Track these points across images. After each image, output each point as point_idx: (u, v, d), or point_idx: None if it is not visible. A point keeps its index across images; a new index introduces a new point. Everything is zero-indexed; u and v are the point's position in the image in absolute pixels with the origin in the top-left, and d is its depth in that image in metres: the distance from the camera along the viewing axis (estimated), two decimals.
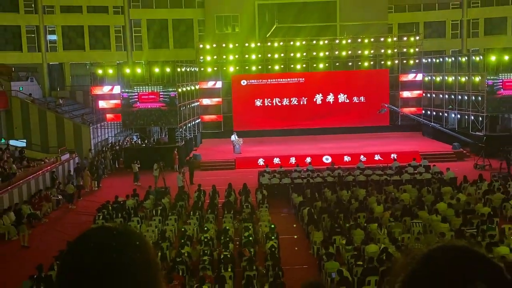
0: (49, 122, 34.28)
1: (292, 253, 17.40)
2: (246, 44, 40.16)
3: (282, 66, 40.62)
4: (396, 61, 41.49)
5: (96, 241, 1.37)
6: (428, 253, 1.30)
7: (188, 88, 37.04)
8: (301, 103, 40.58)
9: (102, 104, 34.36)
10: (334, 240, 16.74)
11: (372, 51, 40.75)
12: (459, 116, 37.46)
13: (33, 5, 40.61)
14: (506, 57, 33.46)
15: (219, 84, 40.64)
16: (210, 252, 15.65)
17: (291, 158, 31.57)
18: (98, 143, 36.35)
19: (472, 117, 35.32)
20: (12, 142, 32.13)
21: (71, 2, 41.67)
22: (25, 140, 33.39)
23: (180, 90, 34.11)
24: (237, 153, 33.98)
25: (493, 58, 33.49)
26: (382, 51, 40.95)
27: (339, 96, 40.69)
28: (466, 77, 36.49)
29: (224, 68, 40.45)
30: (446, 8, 44.50)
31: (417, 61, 41.47)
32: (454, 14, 44.62)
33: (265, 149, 35.02)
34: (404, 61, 41.53)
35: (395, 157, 30.28)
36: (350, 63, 41.29)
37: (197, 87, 39.63)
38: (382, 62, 41.57)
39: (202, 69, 40.42)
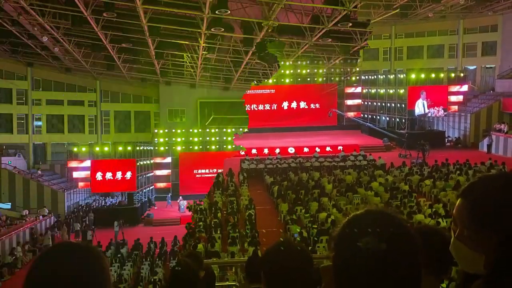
0: (31, 188, 33.14)
1: (265, 219, 17.70)
2: (191, 130, 40.62)
3: (217, 146, 40.19)
4: (343, 78, 41.85)
5: (59, 255, 1.27)
6: (352, 216, 1.22)
7: (145, 162, 37.11)
8: (272, 108, 41.57)
9: (75, 174, 33.25)
10: (296, 210, 17.38)
11: (324, 70, 40.76)
12: (388, 118, 37.88)
13: (24, 98, 40.22)
14: (422, 75, 34.93)
15: (169, 159, 39.73)
16: (204, 219, 15.98)
17: (264, 149, 31.82)
18: (71, 205, 35.14)
19: (397, 119, 35.98)
20: None
21: (55, 97, 41.39)
22: (10, 203, 31.23)
23: (138, 164, 33.94)
24: (182, 212, 33.41)
25: (413, 75, 34.77)
26: (332, 70, 41.17)
27: (300, 103, 41.52)
28: (393, 90, 37.10)
29: (174, 147, 39.72)
30: (379, 39, 44.00)
31: (357, 77, 41.76)
32: (385, 43, 44.43)
33: (245, 142, 35.48)
34: (348, 78, 41.87)
35: (341, 149, 30.97)
36: (308, 79, 41.81)
37: (151, 161, 39.22)
38: (332, 78, 42.13)
39: (156, 148, 39.80)
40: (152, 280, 15.84)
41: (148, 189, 37.79)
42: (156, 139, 40.27)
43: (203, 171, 39.67)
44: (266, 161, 26.45)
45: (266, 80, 38.62)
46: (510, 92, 34.13)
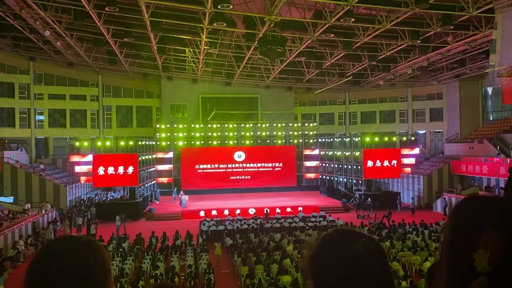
0: (34, 182, 33.33)
1: (225, 284, 17.03)
2: (192, 125, 40.77)
3: (218, 141, 40.80)
4: (301, 140, 42.92)
5: (60, 249, 1.26)
6: (324, 236, 1.28)
7: (147, 157, 36.88)
8: (233, 170, 40.80)
9: (77, 169, 32.98)
10: (257, 273, 16.47)
11: (283, 132, 42.34)
12: (345, 179, 38.48)
13: (26, 93, 40.21)
14: (376, 139, 35.57)
15: (170, 154, 40.27)
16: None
17: (225, 210, 31.69)
18: (73, 200, 35.22)
19: (354, 180, 36.58)
20: (1, 199, 30.75)
21: (57, 91, 41.40)
22: (12, 197, 31.32)
23: (140, 158, 33.73)
24: (183, 207, 33.91)
25: (367, 139, 35.41)
26: (291, 132, 42.76)
27: (260, 164, 41.06)
28: (350, 152, 38.13)
29: (175, 143, 40.10)
30: (334, 104, 47.14)
31: (315, 140, 43.09)
32: (340, 108, 47.15)
33: (205, 203, 35.00)
34: (306, 140, 43.08)
35: (301, 209, 30.98)
36: (268, 140, 42.49)
37: (153, 156, 39.32)
38: (291, 140, 42.92)
39: (158, 143, 40.17)
40: (153, 274, 15.74)
41: (150, 184, 37.77)
42: (158, 134, 40.44)
43: (204, 166, 40.32)
44: (226, 222, 26.15)
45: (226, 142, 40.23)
46: (457, 155, 36.20)
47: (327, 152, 41.79)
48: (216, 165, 40.48)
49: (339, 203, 34.63)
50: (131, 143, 33.90)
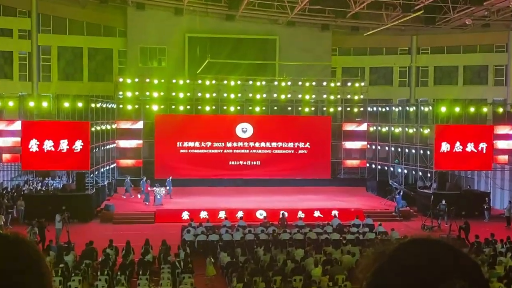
0: None
1: None
2: (174, 81, 40.66)
3: (213, 107, 41.28)
4: (339, 108, 43.28)
5: None
6: (398, 247, 1.31)
7: (103, 128, 37.20)
8: (234, 151, 41.54)
9: None
10: None
11: (313, 96, 42.44)
12: (405, 171, 38.95)
13: None
14: (457, 109, 35.67)
15: (140, 125, 40.82)
16: None
17: (220, 212, 32.12)
18: None
19: (420, 173, 36.93)
20: None
21: None
22: None
23: (93, 129, 34.26)
24: (158, 204, 34.32)
25: (443, 109, 35.52)
26: (325, 96, 42.69)
27: (276, 144, 41.83)
28: (414, 129, 38.35)
29: (147, 106, 40.60)
30: (394, 53, 47.17)
31: (361, 109, 43.46)
32: (402, 60, 47.19)
33: (190, 200, 35.60)
34: (348, 109, 43.45)
35: (336, 214, 31.37)
36: (289, 108, 42.87)
37: (114, 126, 39.81)
38: (324, 109, 43.37)
39: (121, 106, 40.65)
40: None
41: (107, 168, 38.37)
42: (121, 93, 40.63)
43: (191, 144, 40.89)
44: (221, 229, 26.36)
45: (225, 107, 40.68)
46: None
47: (379, 128, 41.77)
48: (209, 143, 40.96)
49: (394, 206, 35.24)
50: (80, 105, 34.06)
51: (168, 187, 36.43)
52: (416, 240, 1.33)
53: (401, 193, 34.82)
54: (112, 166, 39.69)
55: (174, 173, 38.39)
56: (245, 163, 41.53)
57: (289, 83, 42.19)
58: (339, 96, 43.15)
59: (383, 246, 1.35)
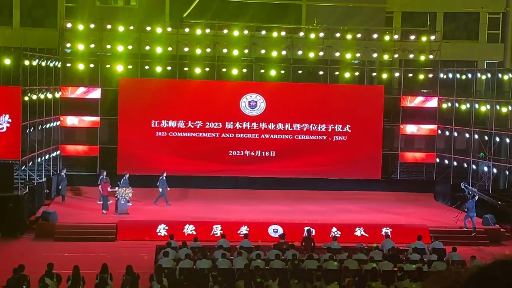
0: None
1: None
2: (148, 28, 40.55)
3: (207, 69, 41.53)
4: (397, 74, 42.83)
5: None
6: (475, 275, 1.40)
7: (42, 97, 36.96)
8: (237, 135, 41.48)
9: None
10: None
11: (358, 55, 41.91)
12: (495, 170, 38.87)
13: None
14: None
15: (96, 93, 40.49)
16: None
17: (214, 227, 32.45)
18: None
19: None
20: None
21: None
22: None
23: (27, 98, 34.37)
24: (121, 213, 34.36)
25: None
26: (375, 55, 42.01)
27: (300, 126, 41.45)
28: (510, 107, 38.01)
29: (108, 66, 40.83)
30: None
31: (430, 75, 42.88)
32: (493, 3, 45.94)
33: (170, 208, 36.36)
34: (410, 75, 42.89)
35: (389, 234, 31.08)
36: (321, 72, 42.42)
37: (58, 95, 39.55)
38: (374, 74, 43.47)
39: (68, 65, 40.79)
40: None
41: (47, 157, 38.42)
42: (68, 45, 40.76)
43: (172, 123, 40.99)
44: (215, 252, 26.48)
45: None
46: None
47: (456, 105, 41.39)
48: (199, 123, 41.11)
49: (478, 223, 34.76)
50: (7, 62, 34.53)
51: (161, 189, 36.84)
52: (501, 262, 1.48)
53: (475, 199, 34.53)
54: (54, 154, 39.43)
55: (146, 166, 39.00)
56: (253, 153, 41.31)
57: (321, 34, 41.36)
58: (396, 56, 42.66)
59: (454, 275, 1.51)
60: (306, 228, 30.60)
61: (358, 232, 32.43)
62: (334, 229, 31.83)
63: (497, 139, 38.15)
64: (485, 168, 39.02)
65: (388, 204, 38.45)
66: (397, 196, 40.31)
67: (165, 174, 37.22)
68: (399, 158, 42.36)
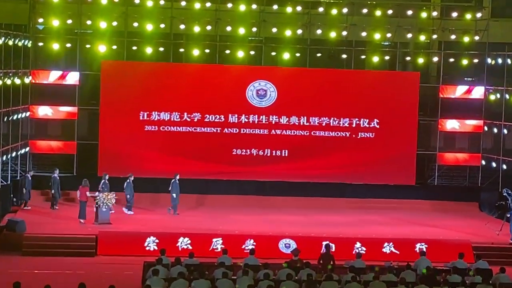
0: None
1: None
2: (137, 0, 40.70)
3: (207, 50, 41.58)
4: (435, 59, 42.85)
5: None
6: None
7: (8, 82, 37.06)
8: (243, 130, 41.84)
9: None
10: None
11: (388, 35, 41.97)
12: None
13: None
14: None
15: (73, 79, 40.67)
16: None
17: (214, 240, 32.37)
18: None
19: None
20: None
21: None
22: None
23: None
24: (103, 222, 34.51)
25: None
26: (410, 36, 41.97)
27: (318, 120, 41.88)
28: None
29: (88, 46, 40.89)
30: None
31: (475, 60, 42.81)
32: None
33: (161, 217, 36.62)
34: (451, 60, 42.80)
35: (424, 250, 30.65)
36: (344, 55, 42.37)
37: (27, 80, 39.93)
38: (408, 58, 43.40)
39: (40, 44, 40.96)
40: None
41: (14, 154, 38.71)
42: (41, 21, 40.99)
43: (165, 115, 41.39)
44: (216, 271, 25.59)
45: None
46: None
47: (506, 97, 41.43)
48: (197, 116, 41.47)
49: None
50: None
51: (175, 194, 37.05)
52: None
53: None
54: (22, 151, 39.77)
55: (133, 167, 38.87)
56: (261, 153, 41.58)
57: (344, 10, 41.35)
58: (435, 37, 42.67)
59: None
60: (324, 243, 29.59)
61: (387, 248, 32.30)
62: (358, 245, 31.73)
63: None
64: None
65: (424, 215, 38.33)
66: (434, 206, 40.37)
67: (178, 177, 37.39)
68: (437, 160, 42.35)
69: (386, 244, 32.40)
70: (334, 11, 41.05)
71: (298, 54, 41.49)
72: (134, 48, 40.80)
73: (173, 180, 37.26)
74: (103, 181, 36.57)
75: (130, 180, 37.18)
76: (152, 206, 37.78)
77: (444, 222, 37.07)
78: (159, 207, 37.52)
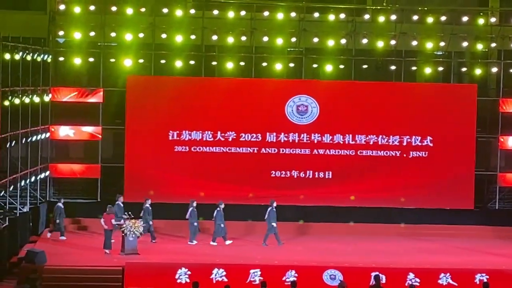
0: None
1: None
2: (165, 10, 40.81)
3: (242, 63, 41.52)
4: (495, 69, 42.38)
5: None
6: None
7: (27, 101, 37.31)
8: (282, 150, 41.07)
9: None
10: None
11: (442, 44, 41.27)
12: None
13: None
14: None
15: (97, 96, 40.67)
16: None
17: (251, 272, 31.42)
18: None
19: None
20: None
21: None
22: None
23: (7, 103, 34.79)
24: (130, 252, 34.08)
25: None
26: (465, 44, 41.49)
27: (365, 138, 41.42)
28: None
29: (112, 61, 41.01)
30: None
31: None
32: None
33: (195, 247, 36.27)
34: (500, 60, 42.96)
35: (485, 281, 30.37)
36: (393, 67, 42.19)
37: (47, 98, 39.89)
38: (464, 69, 43.54)
39: (61, 58, 41.09)
40: None
41: (33, 179, 38.58)
42: (61, 34, 40.97)
43: (197, 135, 41.19)
44: None
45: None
46: None
47: None
48: (232, 135, 41.32)
49: None
50: None
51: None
52: None
53: None
54: (42, 175, 39.73)
55: (161, 192, 39.19)
56: (302, 175, 41.22)
57: (393, 17, 41.48)
58: (493, 45, 42.05)
59: None
60: (373, 274, 29.14)
61: (444, 279, 31.27)
62: (411, 276, 31.00)
63: None
64: None
65: (484, 242, 38.21)
66: (495, 232, 40.21)
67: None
68: (498, 181, 42.00)
69: (442, 275, 31.34)
70: (381, 19, 41.56)
71: (342, 66, 41.60)
72: (163, 61, 41.03)
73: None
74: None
75: (220, 209, 36.87)
76: (180, 233, 37.51)
77: (506, 250, 36.45)
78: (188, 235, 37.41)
